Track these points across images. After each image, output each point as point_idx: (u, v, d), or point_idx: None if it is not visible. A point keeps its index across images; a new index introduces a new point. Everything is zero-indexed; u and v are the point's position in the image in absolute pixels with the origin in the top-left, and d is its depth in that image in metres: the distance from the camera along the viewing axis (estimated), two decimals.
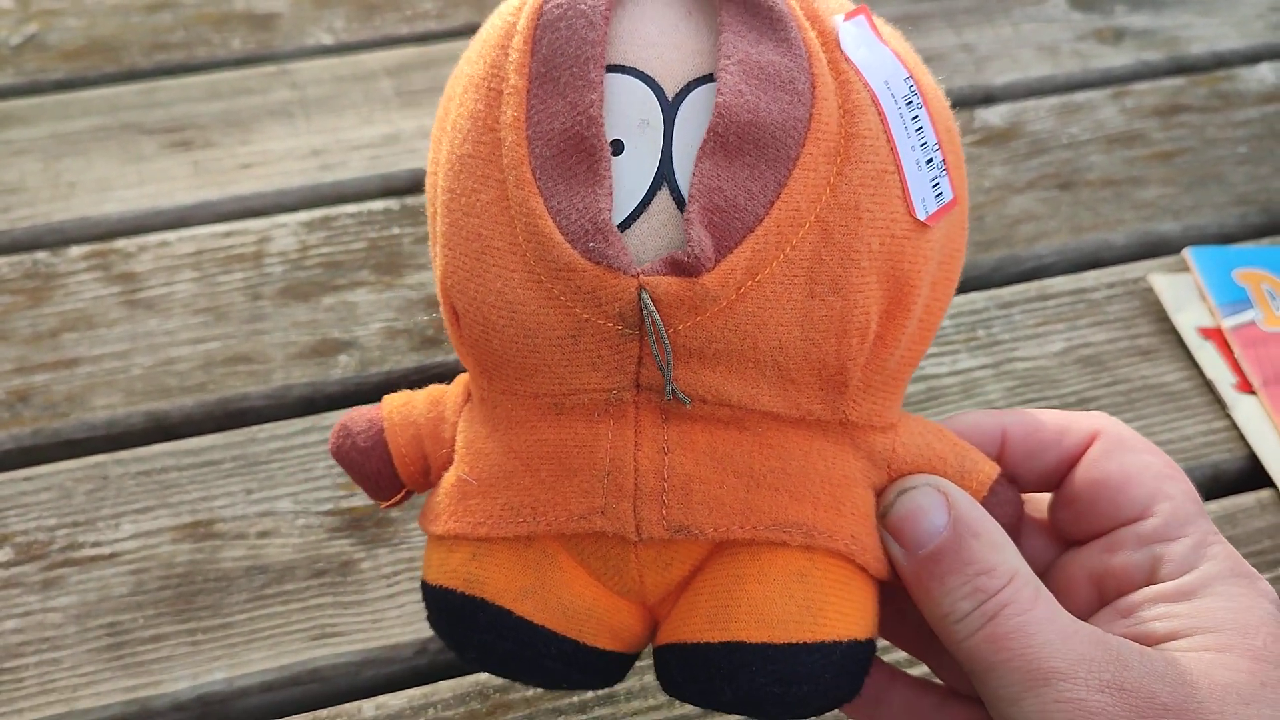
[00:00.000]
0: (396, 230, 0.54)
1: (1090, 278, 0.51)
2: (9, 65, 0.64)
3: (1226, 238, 0.54)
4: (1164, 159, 0.58)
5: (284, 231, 0.54)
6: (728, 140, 0.25)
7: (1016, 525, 0.30)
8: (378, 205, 0.55)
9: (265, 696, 0.39)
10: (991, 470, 0.30)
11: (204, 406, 0.47)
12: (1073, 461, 0.30)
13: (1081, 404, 0.46)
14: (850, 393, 0.28)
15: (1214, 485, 0.44)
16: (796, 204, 0.26)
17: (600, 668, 0.30)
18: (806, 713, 0.28)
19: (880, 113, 0.27)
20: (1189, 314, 0.49)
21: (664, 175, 0.26)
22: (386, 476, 0.32)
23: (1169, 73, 0.64)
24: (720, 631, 0.28)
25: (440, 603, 0.29)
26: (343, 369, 0.48)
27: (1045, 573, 0.31)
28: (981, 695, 0.28)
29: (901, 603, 0.30)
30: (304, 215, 0.55)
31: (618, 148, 0.26)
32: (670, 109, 0.26)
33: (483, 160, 0.27)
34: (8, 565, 0.42)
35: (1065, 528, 0.31)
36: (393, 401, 0.32)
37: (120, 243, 0.54)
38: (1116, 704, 0.25)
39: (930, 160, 0.28)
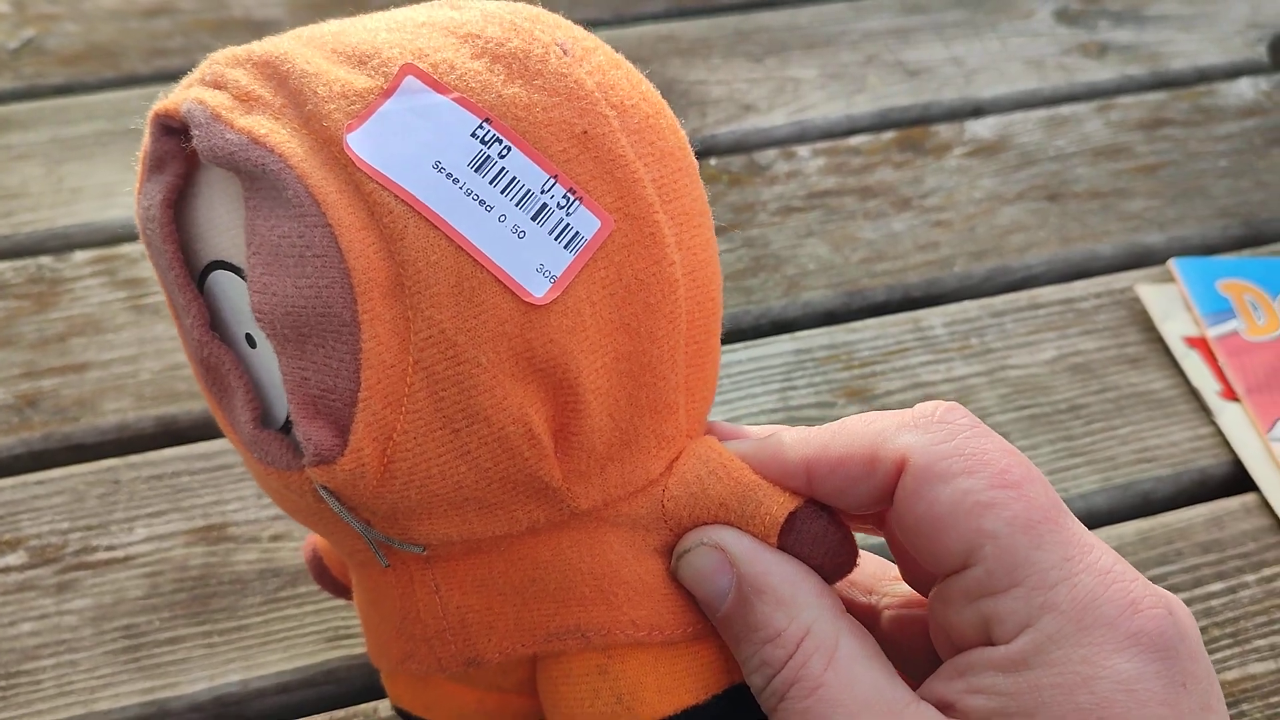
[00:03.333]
0: None
1: (1079, 287, 0.53)
2: (7, 70, 0.64)
3: (1209, 249, 0.56)
4: (1148, 172, 0.60)
5: None
6: (283, 335, 0.24)
7: (842, 557, 0.27)
8: None
9: (281, 697, 0.39)
10: (781, 509, 0.26)
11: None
12: (886, 497, 0.25)
13: (1073, 410, 0.48)
14: (562, 492, 0.25)
15: (1201, 490, 0.45)
16: (383, 360, 0.23)
17: None
18: None
19: (428, 214, 0.23)
20: (1175, 323, 0.51)
21: None
22: (346, 592, 0.36)
23: (1151, 87, 0.66)
24: None
25: (395, 711, 0.33)
26: None
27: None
28: None
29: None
30: None
31: (252, 342, 0.26)
32: None
33: (194, 373, 0.28)
34: (22, 569, 0.42)
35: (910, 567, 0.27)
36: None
37: (125, 248, 0.54)
38: None
39: (540, 210, 0.24)
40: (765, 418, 0.47)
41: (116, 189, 0.57)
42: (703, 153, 0.27)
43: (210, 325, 0.26)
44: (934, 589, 0.26)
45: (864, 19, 0.71)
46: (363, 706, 0.38)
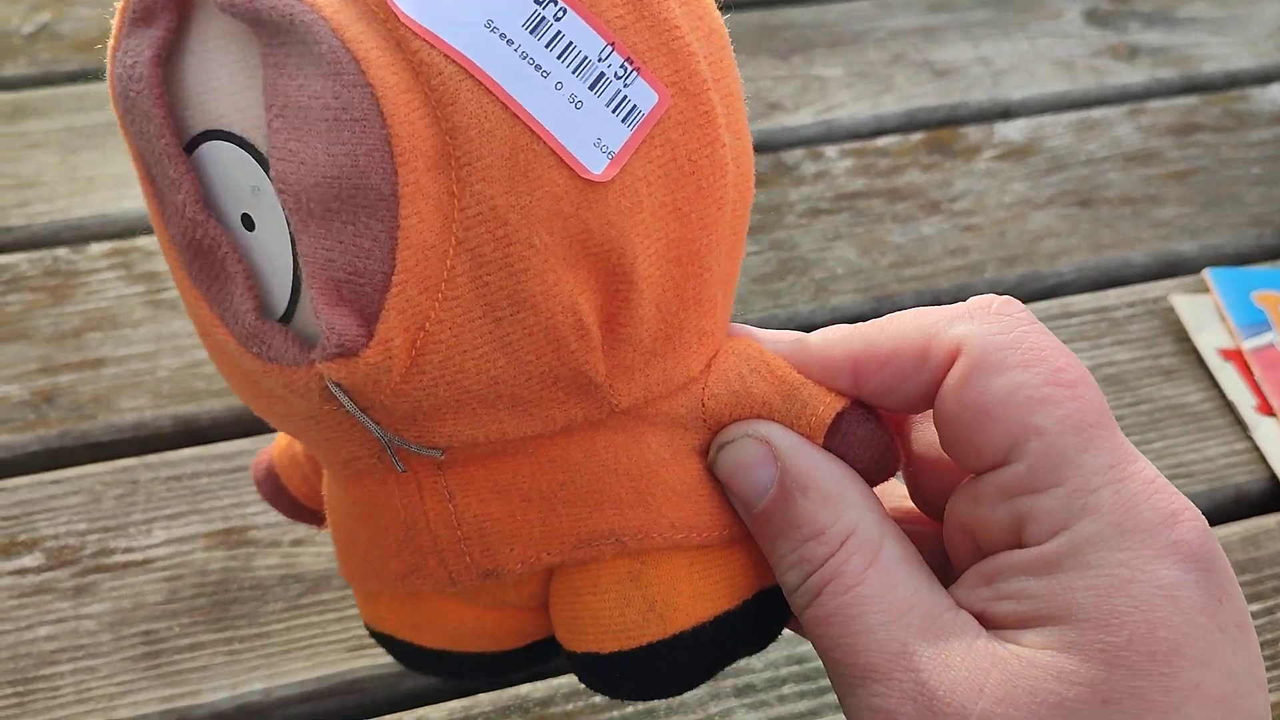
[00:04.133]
0: None
1: (1112, 296, 0.52)
2: (22, 55, 0.63)
3: (1242, 258, 0.55)
4: (1180, 178, 0.59)
5: None
6: (308, 209, 0.21)
7: (887, 460, 0.26)
8: None
9: (304, 707, 0.39)
10: (828, 409, 0.25)
11: (232, 410, 0.47)
12: (935, 393, 0.24)
13: None
14: (604, 389, 0.24)
15: (1237, 506, 0.45)
16: (422, 240, 0.21)
17: (519, 660, 0.29)
18: (704, 679, 0.27)
19: (482, 77, 0.21)
20: (1209, 335, 0.50)
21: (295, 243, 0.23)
22: (304, 512, 0.33)
23: (1183, 91, 0.65)
24: (577, 643, 0.27)
25: (369, 634, 0.30)
26: None
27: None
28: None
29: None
30: None
31: (249, 223, 0.23)
32: (268, 166, 0.22)
33: (171, 260, 0.25)
34: (39, 570, 0.41)
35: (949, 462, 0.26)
36: (279, 443, 0.32)
37: (142, 240, 0.53)
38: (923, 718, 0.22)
39: (598, 80, 0.22)
40: None
41: (130, 179, 0.56)
42: None
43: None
44: (959, 489, 0.25)
45: (890, 17, 0.70)
46: (387, 718, 0.38)
